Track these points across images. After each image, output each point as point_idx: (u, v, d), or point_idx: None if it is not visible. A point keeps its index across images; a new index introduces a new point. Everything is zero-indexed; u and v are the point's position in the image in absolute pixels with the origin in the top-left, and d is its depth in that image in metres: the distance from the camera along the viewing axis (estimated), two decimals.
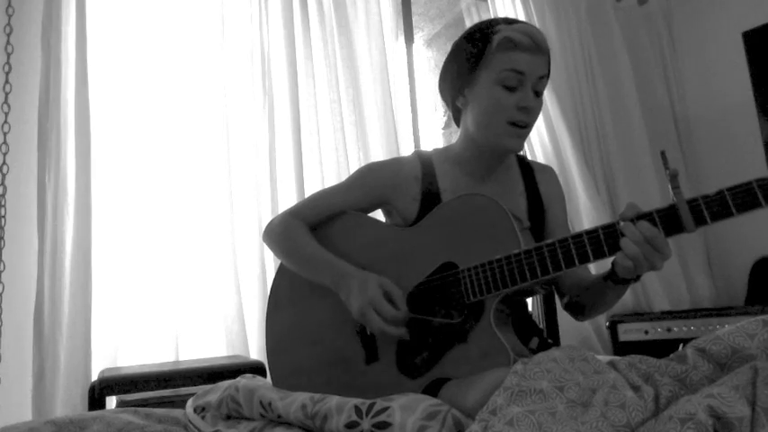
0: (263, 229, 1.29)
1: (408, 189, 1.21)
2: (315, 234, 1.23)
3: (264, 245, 2.10)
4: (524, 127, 1.13)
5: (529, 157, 1.35)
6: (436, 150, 1.28)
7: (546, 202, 1.26)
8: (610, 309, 1.21)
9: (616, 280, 1.02)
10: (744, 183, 0.86)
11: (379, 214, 1.30)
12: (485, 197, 1.07)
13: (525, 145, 2.77)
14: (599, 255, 0.95)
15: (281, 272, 1.27)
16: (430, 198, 1.19)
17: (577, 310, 1.24)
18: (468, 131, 1.19)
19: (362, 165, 2.32)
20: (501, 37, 1.11)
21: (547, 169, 1.32)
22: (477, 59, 1.14)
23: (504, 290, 1.00)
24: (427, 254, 1.09)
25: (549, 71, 1.17)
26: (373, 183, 1.24)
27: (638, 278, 1.01)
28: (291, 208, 1.29)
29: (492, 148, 1.17)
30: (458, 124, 1.26)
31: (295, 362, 1.19)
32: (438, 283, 1.08)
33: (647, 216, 0.92)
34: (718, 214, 0.87)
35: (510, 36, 1.10)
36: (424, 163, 1.24)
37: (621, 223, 0.93)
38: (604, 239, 0.94)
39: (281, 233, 1.23)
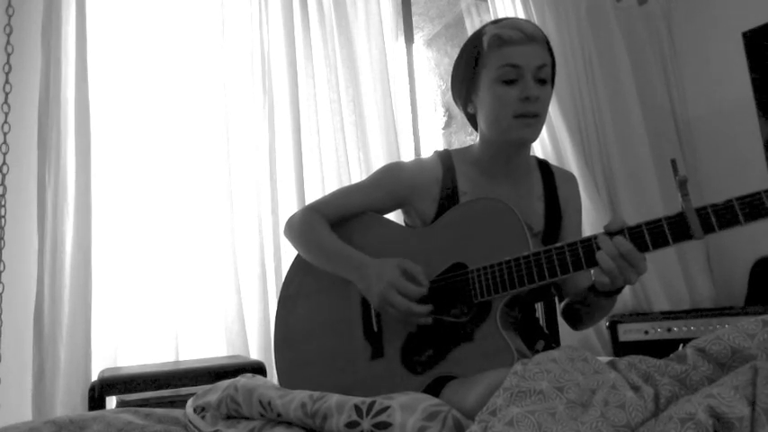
0: (285, 223, 1.31)
1: (428, 191, 1.22)
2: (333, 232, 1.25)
3: (265, 244, 2.12)
4: (533, 116, 1.13)
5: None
6: (457, 151, 1.29)
7: (563, 208, 1.27)
8: (599, 321, 1.23)
9: (596, 292, 1.05)
10: (752, 193, 0.88)
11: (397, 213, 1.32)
12: (498, 201, 1.09)
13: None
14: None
15: (294, 268, 1.29)
16: (449, 200, 1.21)
17: (573, 319, 1.25)
18: (483, 133, 1.22)
19: (362, 165, 2.36)
20: (489, 36, 1.14)
21: (568, 176, 1.32)
22: (474, 65, 1.18)
23: (512, 291, 1.01)
24: (439, 254, 1.11)
25: (552, 58, 1.18)
26: (394, 184, 1.26)
27: (618, 291, 1.03)
28: (313, 203, 1.31)
29: (505, 143, 1.18)
30: (476, 129, 1.27)
31: (301, 355, 1.21)
32: (447, 283, 1.09)
33: (656, 223, 0.94)
34: (726, 223, 0.89)
35: (498, 33, 1.13)
36: (446, 165, 1.25)
37: (598, 237, 0.96)
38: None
39: (302, 226, 1.25)
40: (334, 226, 1.25)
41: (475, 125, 1.27)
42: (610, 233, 0.96)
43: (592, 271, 1.01)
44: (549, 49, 1.18)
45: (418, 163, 1.30)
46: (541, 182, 1.26)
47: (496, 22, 1.18)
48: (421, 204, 1.23)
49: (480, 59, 1.16)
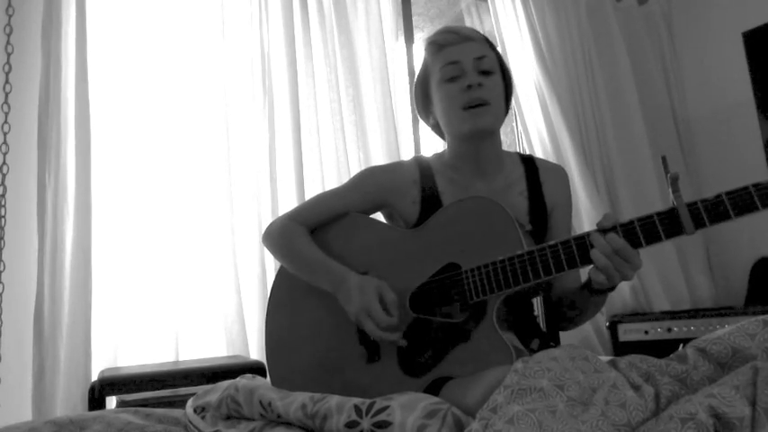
0: (263, 232, 1.30)
1: (408, 192, 1.23)
2: (317, 235, 1.24)
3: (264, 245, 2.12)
4: (481, 105, 1.14)
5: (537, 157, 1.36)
6: (434, 154, 1.30)
7: (549, 204, 1.24)
8: (588, 320, 1.23)
9: (592, 290, 1.05)
10: (741, 187, 0.89)
11: (380, 216, 1.31)
12: (488, 200, 1.08)
13: (526, 145, 2.78)
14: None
15: (281, 272, 1.27)
16: (430, 201, 1.21)
17: (561, 320, 1.25)
18: (447, 137, 1.25)
19: (362, 165, 2.36)
20: (427, 45, 1.23)
21: (555, 169, 1.29)
22: (424, 77, 1.25)
23: (507, 290, 1.00)
24: (430, 255, 1.10)
25: (497, 54, 1.22)
26: (372, 186, 1.26)
27: (612, 288, 1.03)
28: (291, 211, 1.30)
29: (462, 138, 1.19)
30: (443, 138, 1.29)
31: (295, 361, 1.19)
32: (441, 284, 1.08)
33: (648, 219, 0.94)
34: (717, 217, 0.90)
35: (433, 39, 1.21)
36: (423, 167, 1.26)
37: (591, 235, 0.96)
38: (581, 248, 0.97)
39: (281, 237, 1.24)
40: (318, 230, 1.25)
41: (440, 134, 1.30)
42: (602, 230, 0.96)
43: (588, 269, 1.01)
44: (492, 47, 1.22)
45: (395, 165, 1.32)
46: (525, 178, 1.24)
47: (435, 32, 1.24)
48: (401, 206, 1.23)
49: (427, 70, 1.24)
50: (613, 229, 0.95)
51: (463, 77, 1.15)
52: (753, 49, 2.74)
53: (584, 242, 0.97)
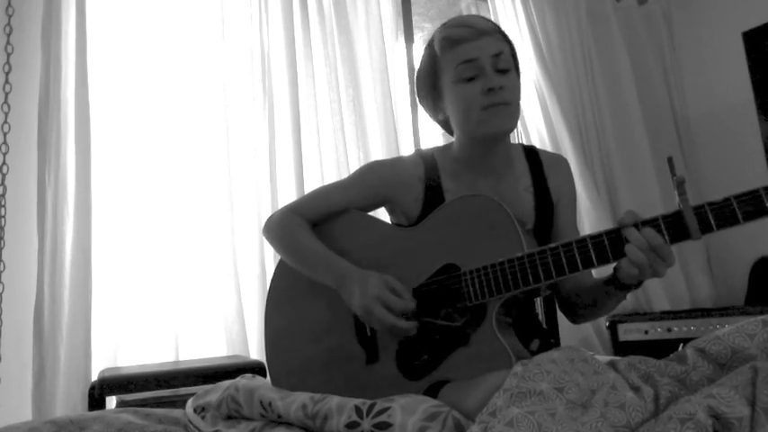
0: (263, 224, 1.28)
1: (411, 189, 1.20)
2: (316, 232, 1.21)
3: (265, 244, 2.12)
4: (503, 104, 1.09)
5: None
6: (438, 149, 1.26)
7: (555, 197, 1.21)
8: (609, 314, 1.20)
9: (618, 285, 1.01)
10: (751, 190, 0.84)
11: (382, 212, 1.30)
12: (487, 198, 1.06)
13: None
14: (603, 260, 0.94)
15: (279, 270, 1.26)
16: (433, 198, 1.18)
17: (574, 314, 1.22)
18: (458, 134, 1.20)
19: (363, 164, 2.35)
20: (440, 40, 1.14)
21: (558, 160, 1.26)
22: (433, 73, 1.17)
23: (507, 293, 0.98)
24: (428, 255, 1.08)
25: (511, 46, 1.15)
26: (375, 181, 1.23)
27: (639, 284, 1.00)
28: (292, 204, 1.27)
29: (481, 138, 1.14)
30: (451, 134, 1.25)
31: (294, 361, 1.19)
32: (439, 286, 1.06)
33: (653, 222, 0.91)
34: (725, 222, 0.86)
35: (446, 35, 1.13)
36: (427, 163, 1.22)
37: (625, 229, 0.91)
38: (609, 245, 0.93)
39: (282, 229, 1.22)
40: (316, 225, 1.22)
41: (449, 130, 1.25)
42: (624, 226, 0.92)
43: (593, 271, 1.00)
44: (506, 39, 1.15)
45: (399, 160, 1.28)
46: (529, 172, 1.21)
47: (445, 24, 1.16)
48: (404, 202, 1.20)
49: (437, 65, 1.15)
50: (617, 231, 0.92)
51: (482, 77, 1.08)
52: (753, 49, 2.74)
53: (619, 237, 0.92)
